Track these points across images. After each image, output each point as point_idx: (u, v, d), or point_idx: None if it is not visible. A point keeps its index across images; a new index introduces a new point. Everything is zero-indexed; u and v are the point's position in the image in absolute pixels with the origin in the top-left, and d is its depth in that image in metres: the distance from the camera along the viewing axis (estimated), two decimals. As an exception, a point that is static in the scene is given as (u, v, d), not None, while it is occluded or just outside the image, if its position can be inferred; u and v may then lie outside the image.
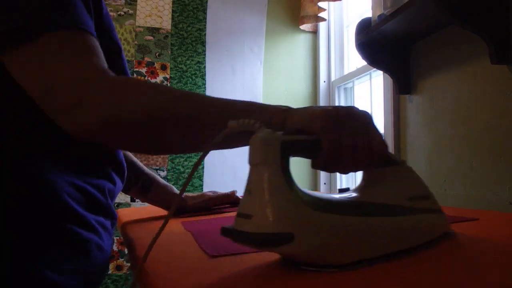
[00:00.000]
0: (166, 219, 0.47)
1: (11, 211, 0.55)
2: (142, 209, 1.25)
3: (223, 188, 1.07)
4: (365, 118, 0.49)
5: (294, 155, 0.45)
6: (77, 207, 0.60)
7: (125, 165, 0.73)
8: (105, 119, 0.48)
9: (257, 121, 0.44)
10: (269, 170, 0.42)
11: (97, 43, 0.55)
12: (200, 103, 0.51)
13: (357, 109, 0.49)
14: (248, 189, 0.44)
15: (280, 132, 0.44)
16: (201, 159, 0.46)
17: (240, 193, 1.07)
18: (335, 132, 0.46)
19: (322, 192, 2.05)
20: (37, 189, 0.57)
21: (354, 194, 0.51)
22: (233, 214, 0.93)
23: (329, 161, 0.47)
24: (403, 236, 0.47)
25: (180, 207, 0.96)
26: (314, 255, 0.41)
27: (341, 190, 0.53)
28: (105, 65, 0.54)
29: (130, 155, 0.93)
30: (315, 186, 2.21)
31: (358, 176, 2.02)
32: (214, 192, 1.02)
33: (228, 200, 1.00)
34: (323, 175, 2.19)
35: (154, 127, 0.50)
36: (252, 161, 0.44)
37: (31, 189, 0.56)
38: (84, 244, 0.60)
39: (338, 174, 2.13)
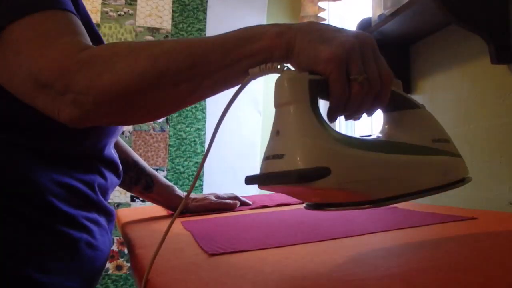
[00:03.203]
0: (170, 224, 0.47)
1: None
2: (142, 209, 1.25)
3: (223, 188, 1.08)
4: (372, 46, 0.44)
5: (321, 97, 0.44)
6: (63, 206, 0.58)
7: (117, 160, 0.72)
8: (101, 94, 0.45)
9: (279, 64, 0.43)
10: (299, 107, 0.42)
11: (77, 21, 0.52)
12: (195, 48, 0.47)
13: (365, 36, 0.44)
14: (275, 131, 0.43)
15: (306, 72, 0.43)
16: (223, 117, 0.45)
17: (239, 195, 1.08)
18: (343, 78, 0.42)
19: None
20: (19, 190, 0.56)
21: (378, 137, 0.51)
22: (233, 214, 0.93)
23: (339, 106, 0.44)
24: (430, 174, 0.48)
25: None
26: (348, 190, 0.41)
27: (363, 136, 0.51)
28: (86, 41, 0.50)
29: (133, 154, 0.93)
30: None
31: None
32: (216, 195, 1.02)
33: (228, 208, 1.00)
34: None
35: (151, 90, 0.46)
36: (279, 102, 0.43)
37: (13, 190, 0.55)
38: (73, 243, 0.59)
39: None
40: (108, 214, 0.69)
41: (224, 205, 0.99)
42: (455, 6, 0.99)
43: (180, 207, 0.47)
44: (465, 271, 0.40)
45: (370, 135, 0.52)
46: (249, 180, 0.44)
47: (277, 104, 0.44)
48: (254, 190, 2.13)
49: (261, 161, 0.45)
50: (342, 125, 2.10)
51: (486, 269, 0.40)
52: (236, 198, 1.04)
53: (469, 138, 1.18)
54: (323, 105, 0.54)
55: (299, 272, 0.43)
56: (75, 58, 0.46)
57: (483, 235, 0.54)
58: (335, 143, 0.42)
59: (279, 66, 0.43)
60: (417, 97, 1.42)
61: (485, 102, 1.12)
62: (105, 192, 0.68)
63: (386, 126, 0.52)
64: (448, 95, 1.27)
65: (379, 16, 1.27)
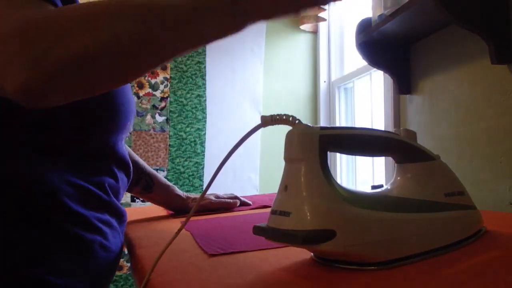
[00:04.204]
0: (178, 230, 0.47)
1: (8, 213, 0.54)
2: (142, 209, 1.25)
3: (223, 188, 1.08)
4: None
5: (331, 150, 0.44)
6: (76, 207, 0.59)
7: (128, 159, 0.72)
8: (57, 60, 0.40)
9: (292, 116, 0.44)
10: (307, 165, 0.42)
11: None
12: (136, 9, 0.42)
13: None
14: (284, 186, 0.43)
15: (317, 126, 0.43)
16: (231, 154, 0.44)
17: (239, 195, 1.08)
18: None
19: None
20: (34, 191, 0.56)
21: (389, 191, 0.50)
22: (233, 214, 0.93)
23: None
24: (441, 232, 0.47)
25: (180, 208, 0.97)
26: (354, 252, 0.41)
27: (375, 187, 0.51)
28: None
29: (132, 154, 0.93)
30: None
31: (359, 171, 2.02)
32: (216, 195, 1.02)
33: (228, 207, 1.00)
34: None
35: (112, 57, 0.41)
36: (289, 157, 0.43)
37: (28, 191, 0.55)
38: (87, 245, 0.59)
39: (338, 171, 2.13)
40: (120, 215, 0.69)
41: (224, 204, 0.99)
42: (455, 6, 0.99)
43: (193, 208, 0.47)
44: (465, 271, 0.40)
45: (381, 186, 0.51)
46: (257, 230, 0.44)
47: (287, 159, 0.44)
48: (254, 190, 2.13)
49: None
50: (343, 171, 2.11)
51: (486, 269, 0.40)
52: (236, 198, 1.04)
53: (469, 138, 1.18)
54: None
55: (299, 272, 0.43)
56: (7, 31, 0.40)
57: (483, 235, 0.54)
58: (342, 203, 0.42)
59: (291, 118, 0.43)
60: (417, 97, 1.42)
61: (485, 102, 1.12)
62: (116, 193, 0.68)
63: (398, 178, 0.51)
64: (448, 95, 1.27)
65: (379, 16, 1.27)
